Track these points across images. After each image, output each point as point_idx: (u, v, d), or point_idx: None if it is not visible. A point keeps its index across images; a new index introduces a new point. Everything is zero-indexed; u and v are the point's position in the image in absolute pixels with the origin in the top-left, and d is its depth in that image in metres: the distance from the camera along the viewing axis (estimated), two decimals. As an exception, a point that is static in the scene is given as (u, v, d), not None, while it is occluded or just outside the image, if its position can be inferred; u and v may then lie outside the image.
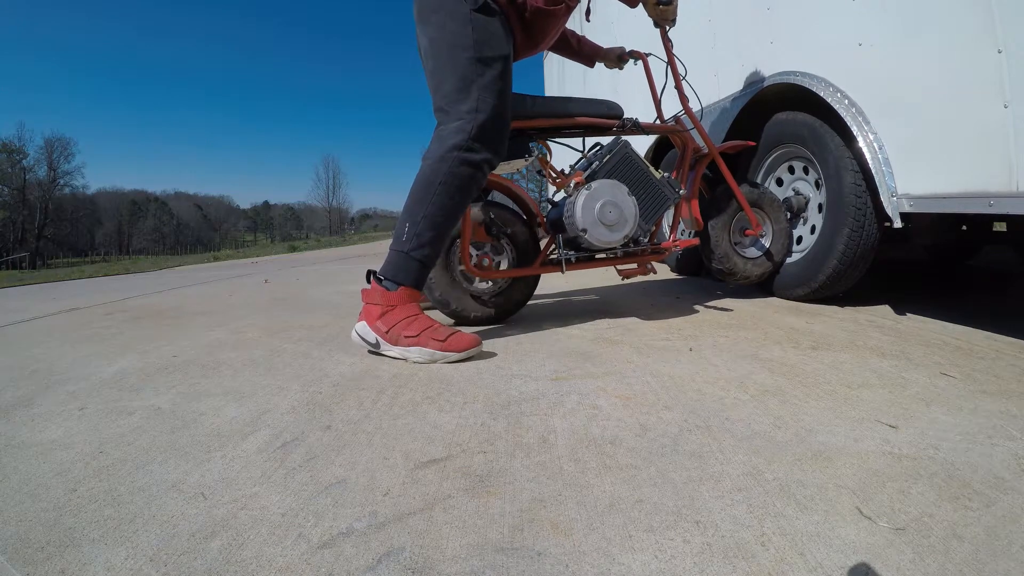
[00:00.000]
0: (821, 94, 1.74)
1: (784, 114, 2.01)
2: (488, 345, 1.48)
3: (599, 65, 2.16)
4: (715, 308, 1.91)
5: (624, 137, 1.83)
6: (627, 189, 1.70)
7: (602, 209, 1.65)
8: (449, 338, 1.34)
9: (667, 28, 1.86)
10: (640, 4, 1.78)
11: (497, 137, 1.44)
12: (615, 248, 1.74)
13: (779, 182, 2.16)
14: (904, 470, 0.74)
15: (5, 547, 0.63)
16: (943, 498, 0.67)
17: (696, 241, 1.95)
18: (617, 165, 1.75)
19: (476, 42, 1.39)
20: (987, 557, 0.56)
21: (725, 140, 2.29)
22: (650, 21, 1.86)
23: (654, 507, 0.67)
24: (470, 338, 1.36)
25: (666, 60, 1.92)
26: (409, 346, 1.33)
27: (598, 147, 1.86)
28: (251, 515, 0.68)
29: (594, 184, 1.67)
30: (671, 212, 1.95)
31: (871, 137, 1.60)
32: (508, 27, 1.49)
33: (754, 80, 2.16)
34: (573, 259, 1.75)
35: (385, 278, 1.40)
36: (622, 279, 1.89)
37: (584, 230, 1.64)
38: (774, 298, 2.05)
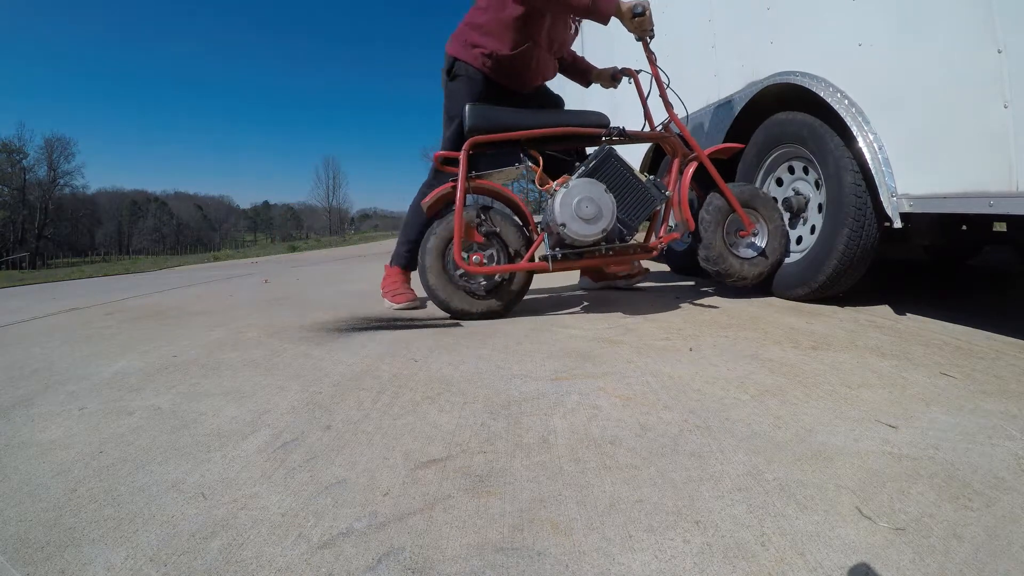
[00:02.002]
0: (821, 94, 1.74)
1: (784, 114, 2.01)
2: (488, 345, 1.48)
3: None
4: (715, 308, 1.91)
5: (616, 145, 1.89)
6: (604, 187, 1.76)
7: (579, 204, 1.71)
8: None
9: (648, 40, 1.93)
10: (614, 19, 1.85)
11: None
12: (598, 244, 1.79)
13: (779, 182, 2.16)
14: (904, 470, 0.74)
15: (5, 547, 0.63)
16: (943, 498, 0.67)
17: (677, 235, 1.97)
18: (599, 168, 1.82)
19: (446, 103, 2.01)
20: (987, 557, 0.56)
21: (724, 141, 2.29)
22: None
23: (654, 507, 0.67)
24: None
25: (651, 72, 2.01)
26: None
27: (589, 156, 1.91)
28: (251, 515, 0.68)
29: (571, 182, 1.74)
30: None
31: (871, 137, 1.60)
32: (483, 83, 1.96)
33: (754, 80, 2.16)
34: (559, 256, 1.80)
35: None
36: (624, 285, 1.92)
37: (563, 224, 1.70)
38: (774, 298, 2.05)
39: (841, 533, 0.61)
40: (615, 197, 1.78)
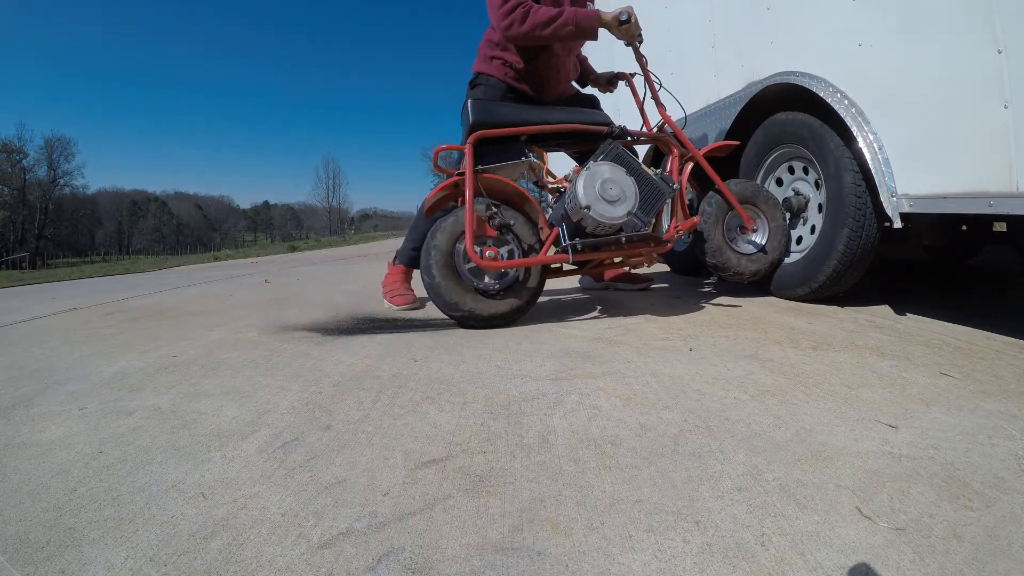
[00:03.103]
0: (821, 94, 1.74)
1: (784, 114, 2.01)
2: (488, 345, 1.48)
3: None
4: (715, 308, 1.91)
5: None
6: (625, 170, 1.72)
7: (603, 186, 1.67)
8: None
9: (637, 45, 1.95)
10: (603, 30, 1.86)
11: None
12: (618, 232, 1.72)
13: (779, 182, 2.16)
14: (904, 470, 0.74)
15: (5, 547, 0.63)
16: (943, 498, 0.67)
17: (697, 220, 1.94)
18: (609, 160, 1.79)
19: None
20: (987, 557, 0.56)
21: (726, 140, 2.29)
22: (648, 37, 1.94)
23: (654, 507, 0.67)
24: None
25: (643, 75, 2.03)
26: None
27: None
28: (251, 515, 0.68)
29: (592, 165, 1.70)
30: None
31: (871, 137, 1.60)
32: (505, 90, 1.97)
33: (754, 80, 2.16)
34: (579, 246, 1.72)
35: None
36: (625, 288, 1.90)
37: (587, 207, 1.64)
38: (774, 298, 2.05)
39: (841, 533, 0.61)
40: None
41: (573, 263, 1.78)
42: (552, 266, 1.91)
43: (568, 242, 1.71)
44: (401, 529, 0.64)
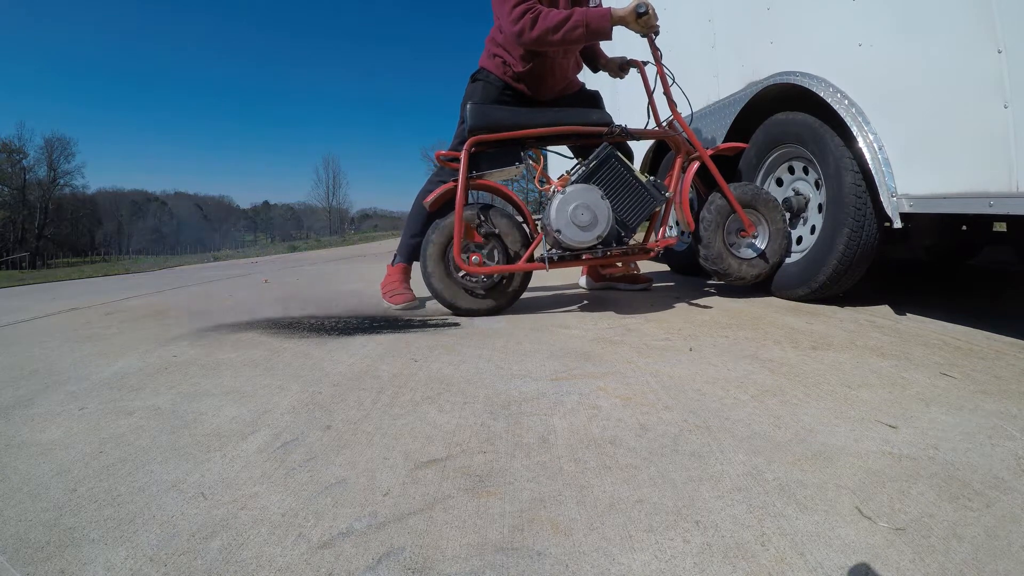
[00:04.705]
0: (821, 94, 1.74)
1: (784, 114, 2.01)
2: (488, 345, 1.49)
3: (602, 75, 2.28)
4: (715, 308, 1.91)
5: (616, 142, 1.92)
6: (601, 192, 1.77)
7: (575, 211, 1.73)
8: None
9: (653, 37, 1.93)
10: (620, 26, 1.85)
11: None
12: (594, 247, 1.80)
13: (779, 182, 2.16)
14: (904, 470, 0.74)
15: (5, 547, 0.63)
16: (943, 498, 0.67)
17: (674, 240, 1.97)
18: (598, 168, 1.83)
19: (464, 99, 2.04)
20: (987, 557, 0.56)
21: (725, 140, 2.29)
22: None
23: (654, 507, 0.67)
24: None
25: (656, 69, 2.01)
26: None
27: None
28: (251, 515, 0.68)
29: (568, 188, 1.75)
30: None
31: (871, 137, 1.60)
32: (502, 88, 2.00)
33: (754, 80, 2.16)
34: (556, 257, 1.82)
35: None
36: (625, 288, 1.94)
37: (558, 231, 1.73)
38: (774, 298, 2.05)
39: (841, 533, 0.61)
40: (615, 198, 1.80)
41: (550, 270, 1.87)
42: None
43: (547, 253, 1.82)
44: (401, 529, 0.64)
